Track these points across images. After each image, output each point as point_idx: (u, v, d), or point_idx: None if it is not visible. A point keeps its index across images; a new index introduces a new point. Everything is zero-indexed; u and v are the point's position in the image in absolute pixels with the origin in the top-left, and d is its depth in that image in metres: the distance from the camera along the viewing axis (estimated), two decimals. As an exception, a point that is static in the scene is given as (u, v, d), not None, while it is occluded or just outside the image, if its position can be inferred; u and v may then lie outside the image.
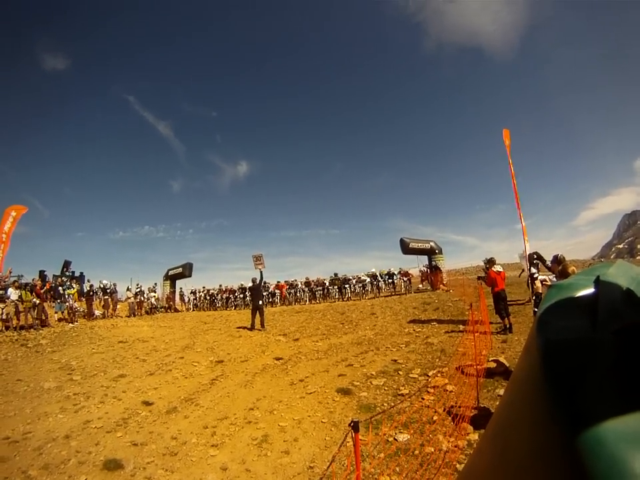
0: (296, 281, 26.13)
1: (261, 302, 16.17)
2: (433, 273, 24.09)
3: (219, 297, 26.69)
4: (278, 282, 26.35)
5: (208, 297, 27.08)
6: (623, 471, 0.53)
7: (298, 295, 25.30)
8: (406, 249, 25.26)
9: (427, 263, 25.58)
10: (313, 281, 25.54)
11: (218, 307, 26.26)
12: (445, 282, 23.73)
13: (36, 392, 8.43)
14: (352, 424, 2.94)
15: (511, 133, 16.15)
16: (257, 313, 15.81)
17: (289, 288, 25.62)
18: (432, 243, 25.44)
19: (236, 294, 25.93)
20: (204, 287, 27.81)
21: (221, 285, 27.33)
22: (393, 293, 23.66)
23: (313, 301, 24.64)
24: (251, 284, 16.80)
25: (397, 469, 4.65)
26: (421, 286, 25.39)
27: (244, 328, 16.05)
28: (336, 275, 25.70)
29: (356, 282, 24.66)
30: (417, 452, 4.93)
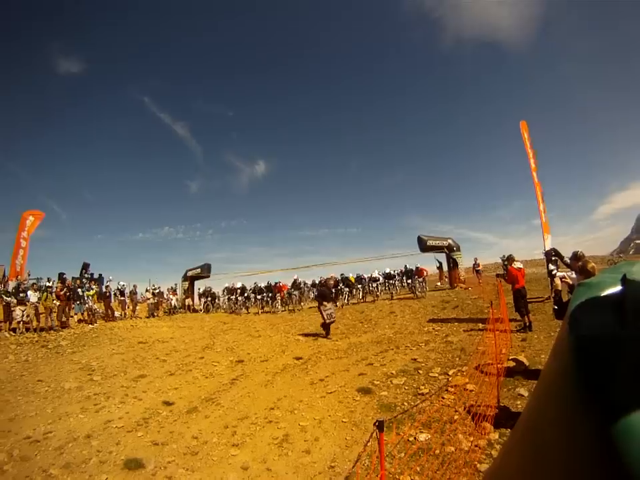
0: (300, 280, 24.79)
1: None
2: (451, 271, 23.86)
3: (234, 297, 25.95)
4: (277, 283, 24.42)
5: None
6: None
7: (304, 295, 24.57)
8: (424, 246, 25.02)
9: (445, 261, 25.28)
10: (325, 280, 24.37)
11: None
12: (463, 280, 23.49)
13: (57, 392, 8.59)
14: (377, 423, 2.91)
15: (528, 126, 15.96)
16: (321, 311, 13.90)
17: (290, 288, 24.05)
18: (450, 240, 25.09)
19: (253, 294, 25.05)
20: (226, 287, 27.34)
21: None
22: (409, 295, 22.57)
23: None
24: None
25: (418, 468, 4.61)
26: (439, 284, 25.15)
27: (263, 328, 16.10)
28: (342, 274, 24.50)
29: (369, 280, 23.75)
30: (437, 451, 4.89)
